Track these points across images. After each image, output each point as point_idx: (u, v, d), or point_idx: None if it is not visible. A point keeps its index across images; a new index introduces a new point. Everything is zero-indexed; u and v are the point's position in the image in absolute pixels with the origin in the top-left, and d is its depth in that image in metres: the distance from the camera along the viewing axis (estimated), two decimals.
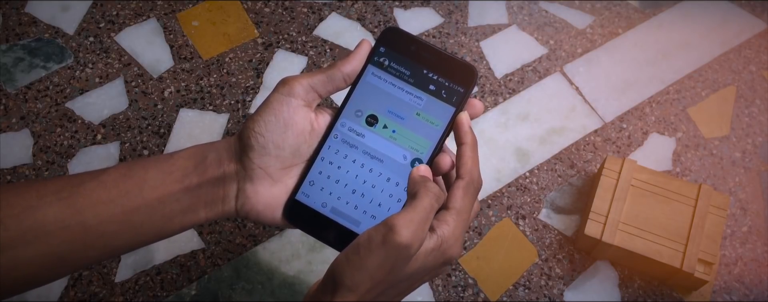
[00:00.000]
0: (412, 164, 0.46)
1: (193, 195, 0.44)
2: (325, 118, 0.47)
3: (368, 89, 0.47)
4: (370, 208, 0.46)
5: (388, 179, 0.46)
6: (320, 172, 0.46)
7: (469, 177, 0.44)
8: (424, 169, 0.44)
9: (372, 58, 0.47)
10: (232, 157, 0.45)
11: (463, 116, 0.46)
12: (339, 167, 0.46)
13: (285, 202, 0.46)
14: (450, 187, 0.44)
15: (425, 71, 0.46)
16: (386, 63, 0.46)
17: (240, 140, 0.45)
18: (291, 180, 0.46)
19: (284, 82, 0.45)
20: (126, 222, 0.42)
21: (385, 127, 0.46)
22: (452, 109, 0.46)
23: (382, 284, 0.39)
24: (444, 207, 0.43)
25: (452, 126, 0.46)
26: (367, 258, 0.38)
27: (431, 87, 0.46)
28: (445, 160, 0.45)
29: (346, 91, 0.47)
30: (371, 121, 0.46)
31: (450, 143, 0.48)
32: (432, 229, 0.42)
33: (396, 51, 0.46)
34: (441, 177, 0.48)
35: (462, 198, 0.43)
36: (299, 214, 0.46)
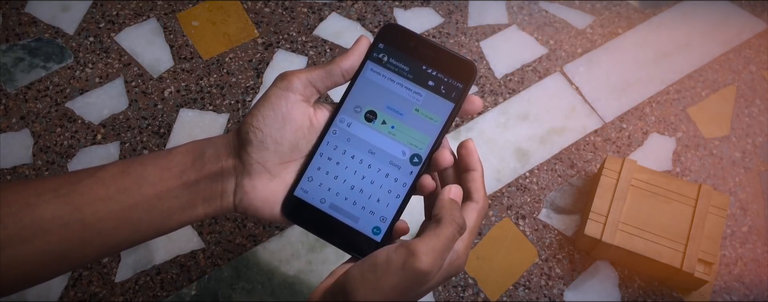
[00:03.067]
0: (411, 160, 0.46)
1: (191, 191, 0.44)
2: (323, 114, 0.47)
3: (367, 85, 0.47)
4: (369, 204, 0.45)
5: (387, 175, 0.46)
6: (319, 168, 0.46)
7: (483, 203, 0.45)
8: (455, 192, 0.44)
9: (371, 55, 0.47)
10: (231, 153, 0.45)
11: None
12: (338, 163, 0.46)
13: (283, 198, 0.46)
14: (462, 206, 0.45)
15: (424, 67, 0.46)
16: (385, 59, 0.46)
17: (238, 135, 0.45)
18: (289, 176, 0.46)
19: (283, 77, 0.45)
20: (124, 219, 0.42)
21: (383, 122, 0.46)
22: (451, 105, 0.46)
23: (395, 298, 0.40)
24: None
25: (451, 121, 0.46)
26: (384, 280, 0.39)
27: (430, 83, 0.46)
28: (445, 156, 0.45)
29: (345, 87, 0.47)
30: (370, 116, 0.46)
31: (451, 141, 0.48)
32: None
33: (395, 47, 0.46)
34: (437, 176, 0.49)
35: (476, 220, 0.45)
36: (297, 210, 0.46)
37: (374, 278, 0.39)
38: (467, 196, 0.46)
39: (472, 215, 0.44)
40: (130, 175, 0.43)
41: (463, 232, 0.43)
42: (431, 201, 0.48)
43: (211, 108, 0.75)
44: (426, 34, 0.81)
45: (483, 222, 0.70)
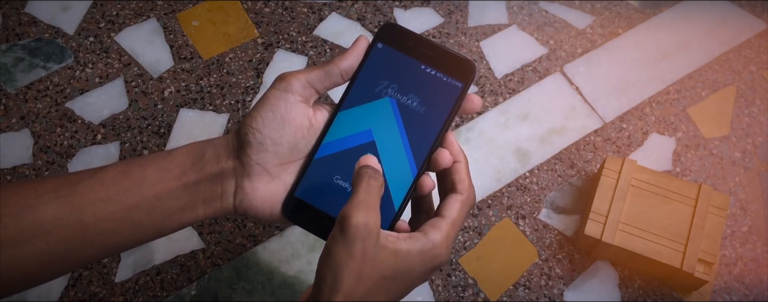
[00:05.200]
0: (411, 159, 0.46)
1: (191, 192, 0.44)
2: (323, 114, 0.47)
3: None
4: None
5: (387, 175, 0.46)
6: (319, 168, 0.46)
7: (467, 194, 0.45)
8: (363, 159, 0.44)
9: (370, 54, 0.47)
10: (230, 154, 0.45)
11: (452, 136, 0.47)
12: (338, 163, 0.46)
13: (284, 199, 0.46)
14: (445, 198, 0.45)
15: (423, 66, 0.46)
16: (384, 59, 0.46)
17: (237, 136, 0.45)
18: (289, 177, 0.46)
19: (281, 78, 0.45)
20: (124, 220, 0.42)
21: None
22: (451, 104, 0.46)
23: (364, 278, 0.39)
24: (439, 214, 0.44)
25: (451, 121, 0.46)
26: (336, 254, 0.39)
27: (429, 82, 0.46)
28: (444, 156, 0.45)
29: (345, 87, 0.47)
30: None
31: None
32: (424, 233, 0.42)
33: (394, 46, 0.46)
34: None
35: (458, 211, 0.44)
36: (298, 211, 0.46)
37: (329, 258, 0.39)
38: (452, 188, 0.45)
39: (455, 206, 0.44)
40: (130, 176, 0.43)
41: (378, 178, 0.42)
42: (426, 200, 0.48)
43: (211, 108, 0.75)
44: (426, 34, 0.81)
45: (483, 223, 0.71)
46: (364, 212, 0.39)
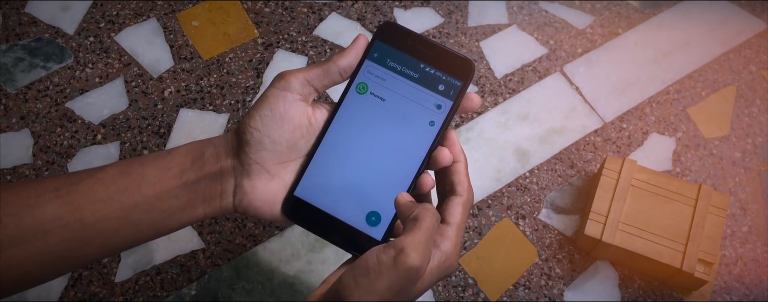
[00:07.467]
0: (410, 158, 0.46)
1: (191, 191, 0.44)
2: (322, 113, 0.47)
3: None
4: (369, 203, 0.45)
5: (387, 174, 0.46)
6: (318, 167, 0.46)
7: (467, 195, 0.45)
8: (406, 195, 0.44)
9: (369, 53, 0.47)
10: (229, 153, 0.45)
11: (453, 134, 0.46)
12: (337, 162, 0.46)
13: (284, 198, 0.46)
14: (445, 201, 0.45)
15: (422, 65, 0.46)
16: (383, 57, 0.47)
17: (236, 135, 0.45)
18: (288, 176, 0.46)
19: (280, 77, 0.45)
20: (124, 220, 0.42)
21: None
22: (450, 103, 0.46)
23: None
24: (445, 222, 0.44)
25: (450, 119, 0.46)
26: (377, 282, 0.38)
27: (428, 81, 0.46)
28: (444, 155, 0.45)
29: (344, 85, 0.47)
30: None
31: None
32: (436, 246, 0.42)
33: (393, 45, 0.46)
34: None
35: (461, 214, 0.44)
36: (298, 210, 0.46)
37: (367, 282, 0.39)
38: (451, 190, 0.45)
39: (457, 209, 0.44)
40: (130, 176, 0.43)
41: (438, 220, 0.42)
42: (425, 199, 0.48)
43: (211, 108, 0.75)
44: (426, 34, 0.81)
45: (483, 223, 0.71)
46: (422, 254, 0.39)
